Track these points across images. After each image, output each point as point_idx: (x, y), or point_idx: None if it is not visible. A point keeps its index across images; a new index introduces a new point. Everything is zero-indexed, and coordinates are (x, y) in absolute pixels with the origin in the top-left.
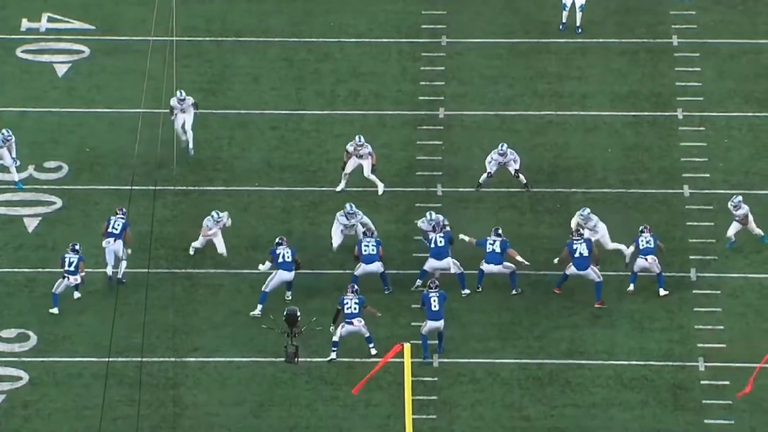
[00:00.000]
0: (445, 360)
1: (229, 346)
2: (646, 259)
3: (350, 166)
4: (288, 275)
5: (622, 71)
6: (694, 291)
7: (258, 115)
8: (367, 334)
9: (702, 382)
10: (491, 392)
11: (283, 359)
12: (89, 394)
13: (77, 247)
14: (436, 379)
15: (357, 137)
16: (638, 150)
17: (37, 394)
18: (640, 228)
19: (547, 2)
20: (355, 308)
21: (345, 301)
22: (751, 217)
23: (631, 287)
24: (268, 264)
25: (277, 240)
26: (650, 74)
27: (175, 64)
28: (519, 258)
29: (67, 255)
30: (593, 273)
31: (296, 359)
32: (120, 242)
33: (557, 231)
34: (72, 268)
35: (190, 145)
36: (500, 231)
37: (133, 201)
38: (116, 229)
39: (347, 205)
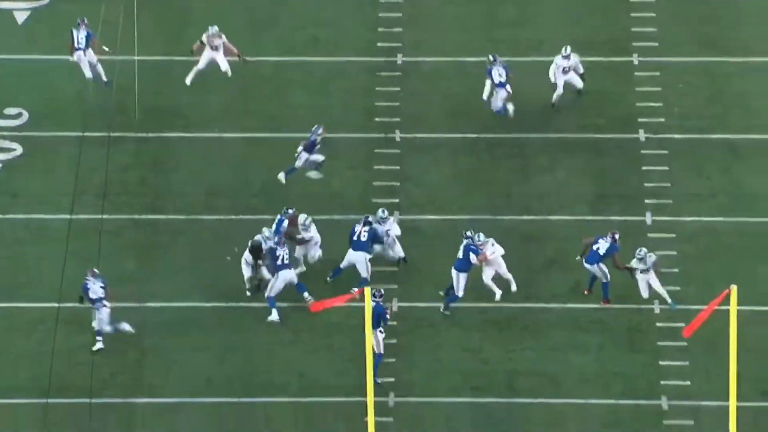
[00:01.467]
0: (404, 304)
1: (191, 291)
2: (506, 89)
3: (203, 60)
4: (290, 274)
5: (578, 17)
6: (649, 234)
7: None
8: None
9: (657, 324)
10: (449, 336)
11: (246, 297)
12: (52, 339)
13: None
14: (395, 323)
15: (210, 27)
16: (594, 95)
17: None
18: (490, 58)
19: None
20: (101, 292)
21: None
22: (656, 275)
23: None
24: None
25: (274, 241)
26: (606, 20)
27: (135, 11)
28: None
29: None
30: (600, 271)
31: (260, 288)
32: (90, 51)
33: (515, 176)
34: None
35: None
36: (468, 233)
37: (91, 148)
38: (81, 43)
39: (379, 211)
